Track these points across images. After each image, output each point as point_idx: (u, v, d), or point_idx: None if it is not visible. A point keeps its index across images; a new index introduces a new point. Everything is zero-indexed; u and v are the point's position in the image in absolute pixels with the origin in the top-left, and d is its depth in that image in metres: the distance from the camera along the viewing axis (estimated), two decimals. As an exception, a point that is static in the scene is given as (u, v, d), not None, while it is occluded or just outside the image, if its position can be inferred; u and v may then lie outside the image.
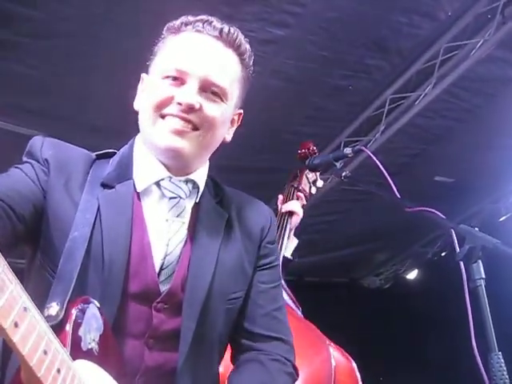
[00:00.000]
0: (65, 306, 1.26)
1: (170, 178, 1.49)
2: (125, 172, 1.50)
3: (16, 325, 0.96)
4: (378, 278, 7.79)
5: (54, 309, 1.26)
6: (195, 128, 1.46)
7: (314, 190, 2.98)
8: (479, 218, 6.99)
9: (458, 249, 1.78)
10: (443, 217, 1.88)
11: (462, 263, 1.76)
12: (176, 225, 1.47)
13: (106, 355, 1.29)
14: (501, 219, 7.05)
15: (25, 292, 1.00)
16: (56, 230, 1.39)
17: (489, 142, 5.80)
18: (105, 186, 1.46)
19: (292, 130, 4.90)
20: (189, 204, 1.52)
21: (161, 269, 1.44)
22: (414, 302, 6.81)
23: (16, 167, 1.45)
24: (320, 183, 2.96)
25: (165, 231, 1.46)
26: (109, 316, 1.33)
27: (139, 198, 1.48)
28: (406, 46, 4.56)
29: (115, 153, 1.57)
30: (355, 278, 7.47)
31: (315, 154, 2.74)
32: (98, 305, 1.30)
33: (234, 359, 1.61)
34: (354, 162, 5.09)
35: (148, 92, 1.51)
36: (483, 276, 1.73)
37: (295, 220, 2.78)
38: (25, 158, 1.48)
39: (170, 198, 1.48)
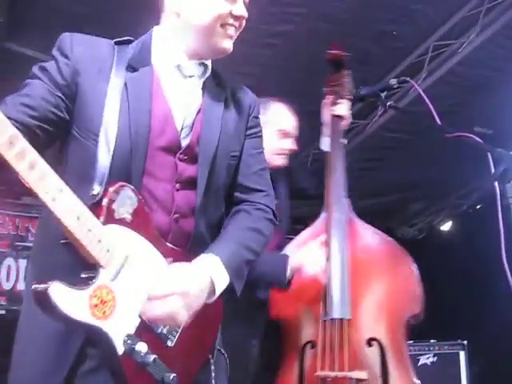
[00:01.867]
0: (103, 187, 1.64)
1: (188, 61, 1.88)
2: (145, 57, 1.85)
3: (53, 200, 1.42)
4: (412, 228, 7.86)
5: (95, 190, 1.63)
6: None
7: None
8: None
9: (493, 170, 1.89)
10: (480, 141, 1.99)
11: (496, 183, 1.88)
12: (191, 97, 1.87)
13: (138, 223, 1.66)
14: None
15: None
16: (93, 106, 1.74)
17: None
18: (129, 67, 1.81)
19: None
20: (199, 82, 1.92)
21: (181, 129, 1.83)
22: (448, 253, 6.87)
23: (36, 76, 1.75)
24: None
25: (182, 102, 1.85)
26: (139, 166, 1.73)
27: (159, 78, 1.84)
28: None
29: (131, 40, 1.90)
30: (390, 227, 7.54)
31: (344, 55, 2.88)
32: (133, 187, 1.67)
33: (228, 213, 1.98)
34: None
35: (205, 5, 1.84)
36: (516, 195, 1.86)
37: (345, 123, 2.87)
38: (54, 53, 1.78)
39: (189, 77, 1.88)
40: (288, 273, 2.45)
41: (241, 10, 1.85)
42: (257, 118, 2.05)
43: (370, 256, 2.62)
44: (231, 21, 1.84)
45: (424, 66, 5.18)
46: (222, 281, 1.75)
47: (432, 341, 5.67)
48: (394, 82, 2.38)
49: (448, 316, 6.33)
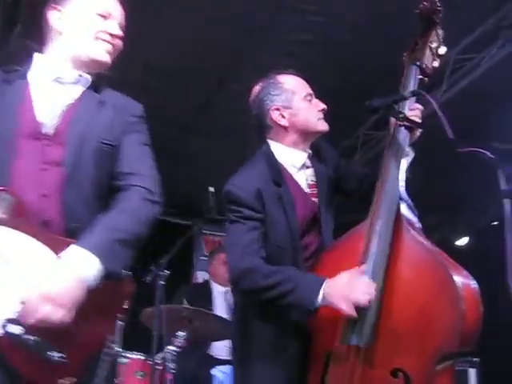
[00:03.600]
0: None
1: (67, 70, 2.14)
2: (23, 73, 2.11)
3: None
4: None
5: None
6: None
7: (436, 64, 2.66)
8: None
9: (503, 187, 1.85)
10: (492, 157, 1.95)
11: (505, 200, 1.83)
12: (62, 96, 2.09)
13: (16, 220, 1.81)
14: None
15: None
16: None
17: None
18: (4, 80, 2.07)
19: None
20: (75, 88, 2.12)
21: (51, 120, 2.04)
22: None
23: None
24: (443, 49, 2.64)
25: (50, 100, 2.07)
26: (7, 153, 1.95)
27: (31, 85, 2.09)
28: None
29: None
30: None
31: (438, 9, 2.52)
32: (5, 188, 1.85)
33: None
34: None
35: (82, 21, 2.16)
36: (527, 215, 1.81)
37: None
38: None
39: (65, 83, 2.12)
40: (319, 300, 2.28)
41: (116, 29, 2.16)
42: (138, 117, 2.20)
43: (413, 279, 2.30)
44: (107, 37, 2.15)
45: (444, 78, 5.13)
46: (91, 266, 1.80)
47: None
48: (408, 94, 2.34)
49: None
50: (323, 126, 2.63)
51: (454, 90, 5.19)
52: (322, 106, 2.64)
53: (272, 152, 2.61)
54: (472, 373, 5.44)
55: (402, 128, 2.48)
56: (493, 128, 5.84)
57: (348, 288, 2.23)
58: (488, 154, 1.96)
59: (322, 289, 2.27)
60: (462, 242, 7.88)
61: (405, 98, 2.35)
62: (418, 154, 5.92)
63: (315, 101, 2.66)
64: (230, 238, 2.52)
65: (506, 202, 1.84)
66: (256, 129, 2.71)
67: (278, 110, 2.59)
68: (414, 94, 2.33)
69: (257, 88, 2.71)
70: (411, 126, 2.41)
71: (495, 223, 7.41)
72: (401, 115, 2.33)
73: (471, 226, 7.66)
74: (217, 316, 4.41)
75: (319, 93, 2.71)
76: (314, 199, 2.61)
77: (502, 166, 1.89)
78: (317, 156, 2.72)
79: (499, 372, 5.80)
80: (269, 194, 2.48)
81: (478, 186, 6.17)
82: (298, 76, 2.71)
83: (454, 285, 2.21)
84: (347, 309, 2.21)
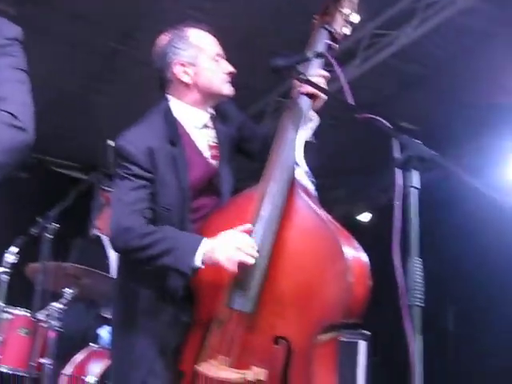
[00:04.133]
0: None
1: None
2: None
3: None
4: (330, 215, 7.84)
5: None
6: None
7: (347, 31, 2.55)
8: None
9: (396, 155, 1.82)
10: (388, 125, 1.91)
11: (398, 170, 1.80)
12: None
13: None
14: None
15: None
16: None
17: (459, 97, 5.86)
18: None
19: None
20: None
21: None
22: (364, 244, 6.90)
23: None
24: (356, 17, 2.53)
25: None
26: None
27: None
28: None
29: None
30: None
31: None
32: None
33: None
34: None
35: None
36: (417, 186, 1.79)
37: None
38: None
39: None
40: (197, 261, 2.20)
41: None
42: (11, 39, 2.03)
43: (303, 247, 2.24)
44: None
45: (357, 53, 5.12)
46: None
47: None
48: (310, 54, 2.26)
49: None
50: (228, 90, 2.50)
51: (366, 66, 5.19)
52: (231, 69, 2.50)
53: (170, 109, 2.48)
54: (362, 345, 5.59)
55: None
56: (403, 108, 5.93)
57: (230, 246, 2.15)
58: (384, 122, 1.92)
59: (201, 248, 2.20)
60: (365, 217, 8.02)
61: (308, 59, 2.27)
62: (329, 127, 5.98)
63: (224, 62, 2.51)
64: (116, 195, 2.39)
65: (397, 171, 1.81)
66: (157, 82, 2.57)
67: (181, 65, 2.44)
68: (317, 55, 2.25)
69: (162, 39, 2.54)
70: (313, 90, 2.33)
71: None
72: (302, 76, 2.24)
73: (374, 202, 7.80)
74: (104, 275, 4.24)
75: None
76: (213, 161, 2.51)
77: (397, 135, 1.85)
78: (221, 116, 2.61)
79: (386, 345, 5.98)
80: (162, 154, 2.35)
81: (384, 163, 6.27)
82: (210, 33, 2.55)
83: (342, 256, 2.15)
84: (229, 266, 2.14)
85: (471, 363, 6.34)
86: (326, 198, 7.57)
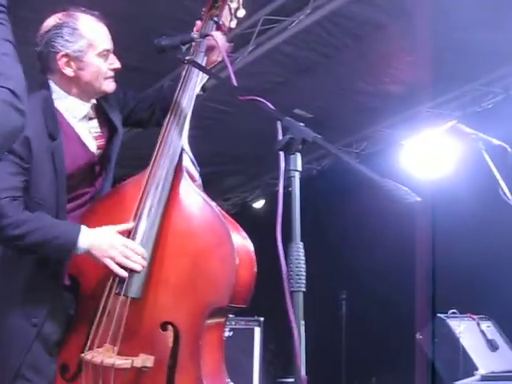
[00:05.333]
0: None
1: None
2: None
3: None
4: (226, 202, 7.89)
5: None
6: None
7: (233, 24, 2.63)
8: (332, 159, 7.21)
9: (279, 138, 1.79)
10: (273, 108, 1.87)
11: (281, 153, 1.77)
12: None
13: None
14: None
15: None
16: None
17: (351, 85, 5.96)
18: None
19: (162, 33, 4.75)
20: None
21: None
22: (258, 232, 6.94)
23: None
24: (242, 12, 2.62)
25: None
26: None
27: None
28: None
29: None
30: (204, 199, 7.45)
31: None
32: None
33: None
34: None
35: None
36: (299, 169, 1.76)
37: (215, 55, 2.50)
38: None
39: None
40: (79, 248, 2.16)
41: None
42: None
43: (189, 230, 2.25)
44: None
45: (252, 38, 5.09)
46: None
47: (230, 316, 5.69)
48: (196, 35, 2.20)
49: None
50: (109, 87, 2.40)
51: (259, 51, 5.16)
52: (117, 65, 2.39)
53: (51, 98, 2.34)
54: (257, 331, 5.61)
55: (192, 72, 2.41)
56: (296, 95, 5.97)
57: (112, 248, 2.15)
58: (268, 104, 1.88)
59: (81, 236, 2.16)
60: (259, 204, 8.08)
61: (193, 40, 2.21)
62: (221, 113, 5.95)
63: (111, 58, 2.39)
64: None
65: (280, 153, 1.77)
66: (39, 66, 2.40)
67: (66, 57, 2.30)
68: (201, 35, 2.21)
69: (50, 22, 2.34)
70: (199, 69, 2.29)
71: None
72: (187, 57, 2.19)
73: (268, 189, 7.86)
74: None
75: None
76: (96, 151, 2.42)
77: (280, 118, 1.81)
78: (106, 103, 2.50)
79: (282, 330, 6.02)
80: (40, 147, 2.22)
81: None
82: (102, 23, 2.39)
83: (229, 239, 2.17)
84: (113, 267, 2.14)
85: (364, 347, 6.52)
86: (223, 185, 7.60)
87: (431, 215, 5.96)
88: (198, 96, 2.49)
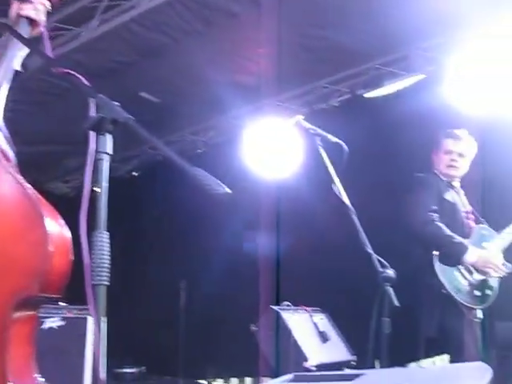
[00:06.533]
0: None
1: None
2: None
3: None
4: (65, 184, 7.51)
5: None
6: None
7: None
8: (178, 146, 7.09)
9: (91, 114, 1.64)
10: (88, 84, 1.72)
11: (92, 132, 1.62)
12: None
13: None
14: (198, 151, 7.27)
15: None
16: None
17: (200, 73, 5.84)
18: None
19: None
20: None
21: None
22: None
23: None
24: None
25: None
26: None
27: None
28: None
29: None
30: (41, 180, 7.07)
31: None
32: None
33: None
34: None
35: None
36: (109, 151, 1.63)
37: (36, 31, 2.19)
38: None
39: None
40: None
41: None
42: None
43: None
44: None
45: (97, 14, 4.83)
46: None
47: (62, 304, 5.43)
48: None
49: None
50: None
51: (105, 28, 4.91)
52: None
53: None
54: (90, 320, 5.38)
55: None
56: (142, 77, 5.77)
57: None
58: (83, 79, 1.73)
59: None
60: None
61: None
62: (61, 90, 5.62)
63: None
64: None
65: (91, 132, 1.62)
66: None
67: None
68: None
69: None
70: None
71: (136, 174, 7.46)
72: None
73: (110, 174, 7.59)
74: None
75: None
76: None
77: (93, 95, 1.66)
78: None
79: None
80: None
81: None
82: None
83: (42, 223, 1.97)
84: None
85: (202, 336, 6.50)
86: (63, 166, 7.21)
87: (276, 207, 5.98)
88: (20, 73, 2.20)
